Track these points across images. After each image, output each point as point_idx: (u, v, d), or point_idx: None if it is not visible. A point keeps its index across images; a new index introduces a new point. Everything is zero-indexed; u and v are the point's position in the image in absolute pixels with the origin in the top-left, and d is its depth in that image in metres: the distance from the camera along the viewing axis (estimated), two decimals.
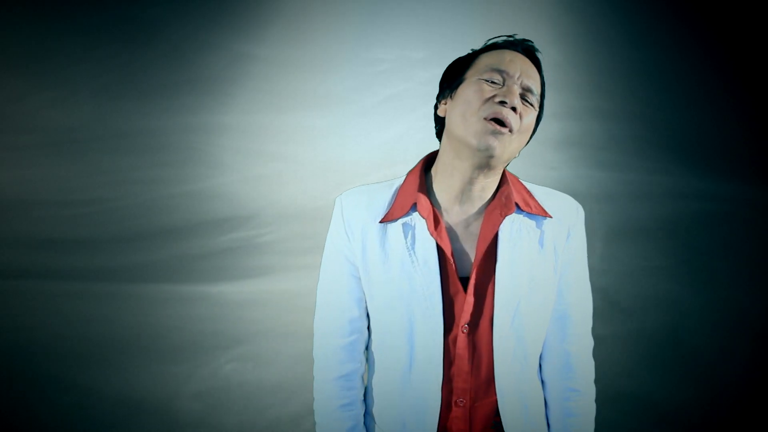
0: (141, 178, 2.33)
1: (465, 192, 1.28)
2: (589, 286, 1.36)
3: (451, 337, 1.26)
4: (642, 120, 2.47)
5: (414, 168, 1.35)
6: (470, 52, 1.35)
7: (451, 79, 1.32)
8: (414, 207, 1.29)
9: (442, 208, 1.30)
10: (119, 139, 2.32)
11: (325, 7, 2.39)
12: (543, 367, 1.35)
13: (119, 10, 2.30)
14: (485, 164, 1.24)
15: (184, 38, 2.32)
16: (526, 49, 1.31)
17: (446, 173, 1.29)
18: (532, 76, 1.28)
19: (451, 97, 1.31)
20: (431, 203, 1.28)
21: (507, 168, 1.37)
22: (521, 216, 1.28)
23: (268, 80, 2.37)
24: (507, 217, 1.27)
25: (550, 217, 1.29)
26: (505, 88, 1.24)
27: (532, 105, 1.27)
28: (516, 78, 1.25)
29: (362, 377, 1.39)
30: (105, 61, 2.30)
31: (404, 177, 1.35)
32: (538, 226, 1.29)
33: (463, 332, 1.25)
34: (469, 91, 1.25)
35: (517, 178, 1.35)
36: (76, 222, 2.31)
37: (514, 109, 1.22)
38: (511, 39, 1.32)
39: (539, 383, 1.34)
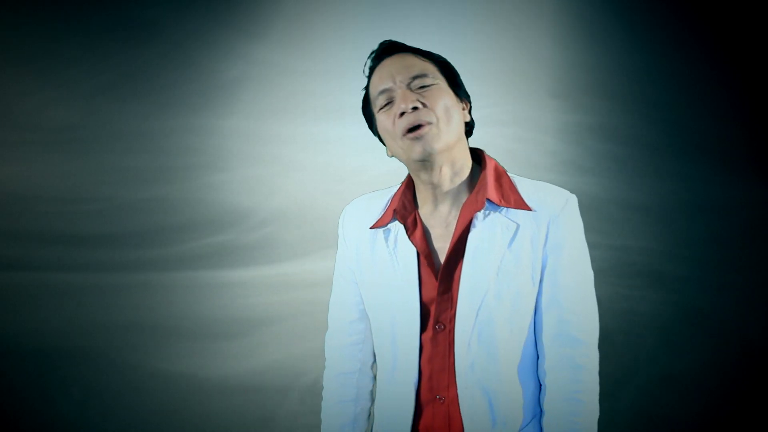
0: (141, 177, 2.35)
1: (438, 193, 1.31)
2: (587, 283, 1.31)
3: (427, 335, 1.28)
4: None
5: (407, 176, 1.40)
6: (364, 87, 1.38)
7: (369, 124, 1.38)
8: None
9: (424, 211, 1.33)
10: (120, 138, 2.34)
11: (329, 9, 2.39)
12: (539, 368, 1.32)
13: (121, 10, 2.32)
14: (433, 159, 1.26)
15: (186, 39, 2.34)
16: (390, 48, 1.33)
17: (418, 185, 1.34)
18: (411, 65, 1.29)
19: (382, 141, 1.36)
20: (414, 207, 1.33)
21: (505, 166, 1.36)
22: (496, 210, 1.28)
23: (269, 82, 2.37)
24: (481, 212, 1.27)
25: (530, 209, 1.28)
26: (395, 102, 1.26)
27: (433, 84, 1.27)
28: (397, 82, 1.27)
29: (368, 377, 1.45)
30: (105, 61, 2.31)
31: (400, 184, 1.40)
32: (515, 219, 1.27)
33: (437, 329, 1.27)
34: (381, 128, 1.31)
35: (504, 172, 1.34)
36: (78, 218, 2.33)
37: (416, 108, 1.24)
38: (374, 52, 1.34)
39: (517, 383, 1.30)
